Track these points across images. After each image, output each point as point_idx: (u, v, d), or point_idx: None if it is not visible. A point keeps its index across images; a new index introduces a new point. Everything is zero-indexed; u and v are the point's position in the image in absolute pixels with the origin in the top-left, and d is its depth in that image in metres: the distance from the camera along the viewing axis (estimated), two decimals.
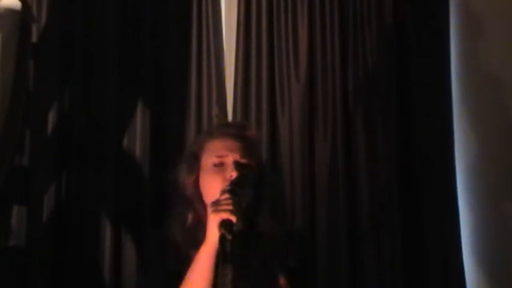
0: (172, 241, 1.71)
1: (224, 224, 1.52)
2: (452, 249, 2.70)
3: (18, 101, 2.42)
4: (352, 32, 2.82)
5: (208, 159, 1.73)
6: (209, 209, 1.58)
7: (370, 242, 2.67)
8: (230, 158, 1.70)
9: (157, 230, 2.06)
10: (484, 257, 2.75)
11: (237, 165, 1.68)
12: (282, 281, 1.66)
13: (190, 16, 2.80)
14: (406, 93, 2.78)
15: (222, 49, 2.81)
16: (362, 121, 2.76)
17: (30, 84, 2.61)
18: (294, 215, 2.66)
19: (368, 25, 2.83)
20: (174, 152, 2.54)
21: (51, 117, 2.63)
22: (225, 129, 1.81)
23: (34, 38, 2.63)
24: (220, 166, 1.70)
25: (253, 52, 2.78)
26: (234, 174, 1.66)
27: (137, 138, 2.67)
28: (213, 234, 1.55)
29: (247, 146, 1.74)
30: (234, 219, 1.53)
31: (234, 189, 1.61)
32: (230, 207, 1.54)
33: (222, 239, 1.51)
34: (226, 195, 1.58)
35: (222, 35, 2.82)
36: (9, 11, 2.42)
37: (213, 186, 1.68)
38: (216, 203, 1.58)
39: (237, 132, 1.78)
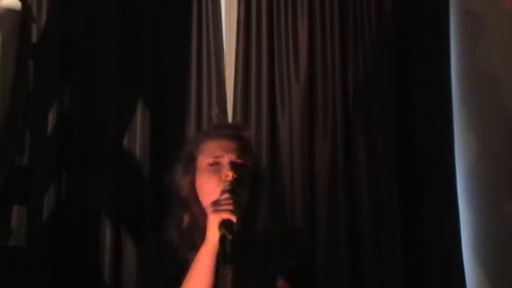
0: (169, 244, 1.70)
1: (224, 224, 1.52)
2: (452, 249, 2.70)
3: (18, 101, 2.42)
4: (352, 32, 2.82)
5: (204, 160, 1.72)
6: (209, 209, 1.58)
7: (370, 242, 2.67)
8: (226, 159, 1.70)
9: (154, 233, 2.06)
10: (484, 257, 2.76)
11: (233, 165, 1.68)
12: (281, 281, 1.66)
13: (190, 16, 2.80)
14: (406, 93, 2.79)
15: (222, 49, 2.81)
16: (362, 121, 2.76)
17: (30, 84, 2.61)
18: (294, 215, 2.67)
19: (368, 25, 2.83)
20: (174, 152, 2.53)
21: (51, 117, 2.63)
22: (221, 130, 1.81)
23: (34, 38, 2.63)
24: (215, 166, 1.70)
25: (253, 52, 2.78)
26: (229, 175, 1.66)
27: (137, 138, 2.67)
28: (213, 234, 1.54)
29: (243, 147, 1.74)
30: (234, 219, 1.53)
31: (234, 189, 1.60)
32: (230, 207, 1.54)
33: (222, 239, 1.51)
34: (226, 195, 1.58)
35: (222, 35, 2.82)
36: (9, 11, 2.43)
37: (208, 187, 1.68)
38: (216, 203, 1.57)
39: (233, 132, 1.78)
